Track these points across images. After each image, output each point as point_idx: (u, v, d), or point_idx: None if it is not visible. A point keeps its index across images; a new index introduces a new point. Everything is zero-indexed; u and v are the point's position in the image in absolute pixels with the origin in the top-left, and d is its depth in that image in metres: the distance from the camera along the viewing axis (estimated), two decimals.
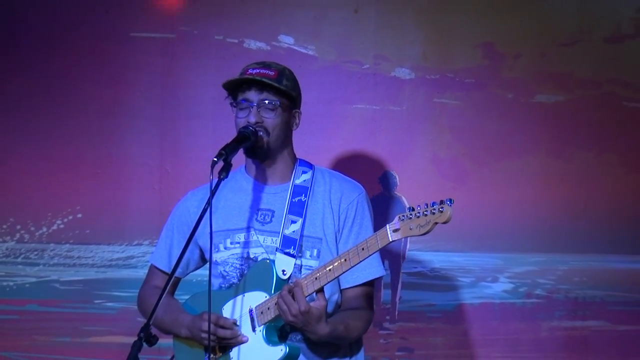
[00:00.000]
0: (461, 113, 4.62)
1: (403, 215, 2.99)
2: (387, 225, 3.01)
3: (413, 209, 2.98)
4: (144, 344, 2.95)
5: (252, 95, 3.26)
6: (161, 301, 3.11)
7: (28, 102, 4.69)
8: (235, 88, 3.31)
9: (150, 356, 3.37)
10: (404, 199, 4.57)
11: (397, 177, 4.59)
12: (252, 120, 3.24)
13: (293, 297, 3.09)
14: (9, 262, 4.69)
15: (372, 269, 3.32)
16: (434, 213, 2.92)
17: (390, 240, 3.00)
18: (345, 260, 3.08)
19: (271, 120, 3.27)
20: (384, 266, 3.49)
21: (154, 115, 4.67)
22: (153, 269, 3.58)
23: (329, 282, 3.12)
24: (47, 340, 4.66)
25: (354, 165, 4.55)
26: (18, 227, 4.68)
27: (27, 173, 4.67)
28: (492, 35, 4.62)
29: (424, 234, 2.96)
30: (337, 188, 3.37)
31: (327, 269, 3.10)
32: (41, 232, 4.67)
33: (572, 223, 4.58)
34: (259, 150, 3.28)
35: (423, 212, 2.94)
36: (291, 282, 3.21)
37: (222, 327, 3.22)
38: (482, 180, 4.60)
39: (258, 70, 3.28)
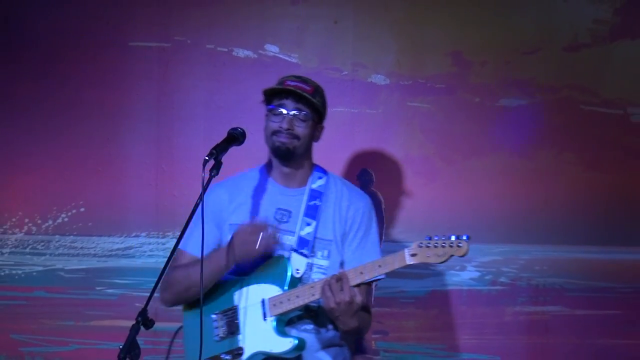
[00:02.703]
0: (432, 116, 4.62)
1: (421, 243, 3.08)
2: (405, 249, 3.12)
3: (431, 238, 3.08)
4: (142, 327, 3.00)
5: (289, 104, 3.37)
6: (188, 265, 3.26)
7: (35, 105, 4.69)
8: (272, 94, 3.41)
9: (147, 338, 3.49)
10: (379, 194, 4.57)
11: (373, 174, 4.59)
12: (285, 126, 3.35)
13: (341, 286, 3.15)
14: (18, 252, 4.69)
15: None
16: (451, 246, 3.04)
17: (407, 263, 3.12)
18: (361, 272, 3.18)
19: (301, 129, 3.38)
20: None
21: (150, 117, 4.67)
22: (182, 253, 3.48)
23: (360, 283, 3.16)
24: (53, 323, 4.66)
25: (334, 163, 4.39)
26: (26, 220, 4.70)
27: (34, 171, 4.68)
28: (460, 45, 4.62)
29: (440, 263, 3.08)
30: (347, 196, 3.46)
31: (359, 272, 3.17)
32: (47, 224, 4.68)
33: (533, 216, 4.58)
34: (289, 152, 3.38)
35: (441, 244, 3.06)
36: (304, 281, 3.32)
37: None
38: (450, 177, 4.61)
39: (296, 84, 3.39)
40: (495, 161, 4.62)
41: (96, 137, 4.70)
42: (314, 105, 3.39)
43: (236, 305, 3.37)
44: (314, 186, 3.46)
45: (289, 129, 3.36)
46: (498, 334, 4.61)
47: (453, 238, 3.05)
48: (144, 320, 3.00)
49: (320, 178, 3.48)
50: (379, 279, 3.38)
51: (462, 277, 4.62)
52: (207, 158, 3.17)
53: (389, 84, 4.65)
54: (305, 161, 3.47)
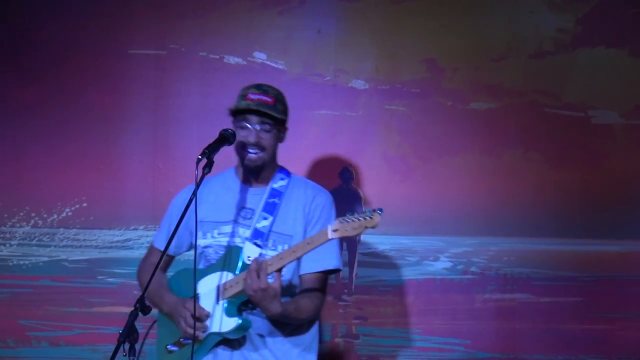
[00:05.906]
0: (408, 118, 4.71)
1: (342, 219, 3.15)
2: (329, 225, 3.18)
3: (353, 214, 3.13)
4: (140, 314, 3.08)
5: (253, 119, 3.42)
6: (155, 276, 3.23)
7: (41, 107, 4.75)
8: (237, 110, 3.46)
9: (145, 323, 3.44)
10: (359, 190, 4.67)
11: (353, 172, 4.69)
12: (252, 140, 3.40)
13: (257, 274, 3.22)
14: (25, 244, 4.75)
15: (328, 261, 3.47)
16: (365, 219, 3.10)
17: (329, 237, 3.16)
18: (294, 251, 3.24)
19: (267, 141, 3.44)
20: (343, 247, 3.60)
21: (147, 119, 4.75)
22: (152, 247, 3.74)
23: (288, 263, 3.24)
24: (58, 310, 4.74)
25: (317, 162, 4.70)
26: (33, 214, 4.77)
27: (40, 168, 4.74)
28: (434, 52, 4.71)
29: (356, 235, 3.14)
30: (310, 193, 3.53)
31: (291, 251, 3.25)
32: (52, 218, 4.75)
33: (502, 210, 4.67)
34: (258, 168, 3.47)
35: (357, 218, 3.12)
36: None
37: (197, 319, 3.33)
38: (426, 174, 4.70)
39: (258, 97, 3.42)
40: (467, 160, 4.72)
41: (97, 138, 4.76)
42: (276, 115, 3.44)
43: (198, 293, 3.45)
44: (275, 186, 3.54)
45: (256, 143, 3.42)
46: (469, 320, 4.71)
47: (367, 212, 3.11)
48: (142, 307, 3.08)
49: (282, 179, 3.56)
50: (335, 270, 3.50)
51: (435, 267, 4.71)
52: (200, 157, 3.24)
53: (368, 88, 4.74)
54: (271, 163, 3.54)
